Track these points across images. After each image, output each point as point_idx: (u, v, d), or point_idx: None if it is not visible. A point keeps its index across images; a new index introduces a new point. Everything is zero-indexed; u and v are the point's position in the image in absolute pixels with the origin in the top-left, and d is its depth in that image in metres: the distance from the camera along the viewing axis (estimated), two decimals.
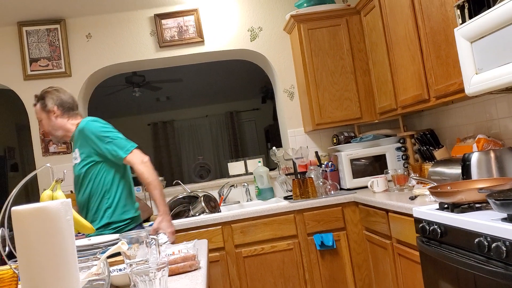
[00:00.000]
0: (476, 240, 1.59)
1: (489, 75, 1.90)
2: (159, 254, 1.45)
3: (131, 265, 1.38)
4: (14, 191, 1.30)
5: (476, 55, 1.97)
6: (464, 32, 2.01)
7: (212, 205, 3.30)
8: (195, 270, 1.52)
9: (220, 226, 3.07)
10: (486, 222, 1.57)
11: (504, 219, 1.56)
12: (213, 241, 3.04)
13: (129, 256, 1.38)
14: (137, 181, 3.72)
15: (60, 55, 3.51)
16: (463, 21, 2.05)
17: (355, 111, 3.51)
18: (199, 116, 9.26)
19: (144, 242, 1.42)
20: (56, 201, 1.04)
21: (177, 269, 1.50)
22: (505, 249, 1.45)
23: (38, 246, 1.02)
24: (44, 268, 1.02)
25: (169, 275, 1.50)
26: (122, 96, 7.50)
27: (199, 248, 1.90)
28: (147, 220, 3.19)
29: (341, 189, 3.51)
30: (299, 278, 3.10)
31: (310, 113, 3.52)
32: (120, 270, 1.49)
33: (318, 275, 3.12)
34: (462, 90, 2.25)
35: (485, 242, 1.55)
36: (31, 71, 3.49)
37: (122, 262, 1.54)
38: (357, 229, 3.16)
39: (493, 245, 1.49)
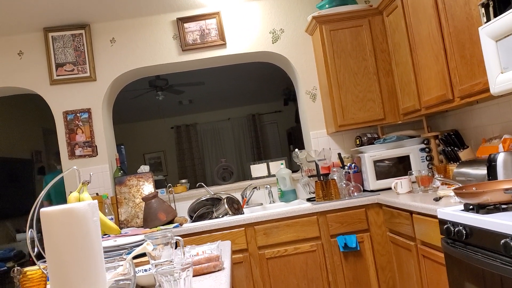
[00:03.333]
0: (502, 241, 1.56)
1: None
2: (184, 255, 1.47)
3: (156, 265, 1.40)
4: (42, 193, 1.34)
5: (501, 54, 1.94)
6: (488, 31, 1.98)
7: (235, 207, 3.32)
8: (219, 270, 1.54)
9: (243, 228, 3.09)
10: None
11: None
12: (237, 242, 3.06)
13: (154, 257, 1.41)
14: (161, 183, 3.79)
15: (85, 60, 3.59)
16: (488, 19, 2.03)
17: (378, 112, 3.48)
18: (221, 119, 9.33)
19: (169, 243, 1.45)
20: (83, 203, 1.07)
21: (201, 269, 1.52)
22: None
23: (66, 246, 1.05)
24: (72, 268, 1.05)
25: (193, 276, 1.52)
26: (145, 99, 7.62)
27: (222, 249, 1.92)
28: (171, 222, 3.24)
29: (364, 190, 3.49)
30: (323, 280, 3.09)
31: (332, 115, 3.51)
32: (146, 270, 1.51)
33: (342, 277, 3.10)
34: (487, 90, 2.22)
35: (511, 243, 1.52)
36: (57, 76, 3.59)
37: (148, 262, 1.57)
38: (381, 230, 3.14)
39: None
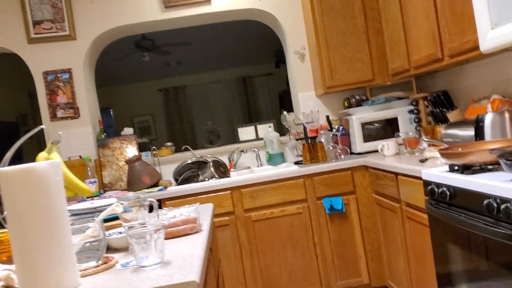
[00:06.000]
0: (485, 201, 1.53)
1: (506, 30, 1.79)
2: (158, 217, 1.42)
3: (129, 228, 1.36)
4: (9, 154, 1.27)
5: (493, 9, 1.86)
6: None
7: (222, 170, 3.28)
8: (196, 232, 1.50)
9: (230, 191, 3.05)
10: (495, 183, 1.51)
11: None
12: (223, 205, 3.04)
13: (127, 219, 1.37)
14: (146, 147, 3.72)
15: (64, 18, 3.45)
16: None
17: (367, 73, 3.40)
18: (211, 81, 9.18)
19: (143, 205, 1.40)
20: (44, 162, 1.01)
21: (178, 231, 1.48)
22: None
23: (26, 207, 0.99)
24: (34, 230, 1.00)
25: (169, 238, 1.48)
26: (131, 61, 7.44)
27: (202, 212, 1.88)
28: (156, 185, 3.19)
29: (352, 153, 3.46)
30: (308, 241, 3.10)
31: (321, 76, 3.43)
32: (120, 233, 1.47)
33: (327, 238, 3.10)
34: (477, 48, 2.14)
35: (494, 203, 1.50)
36: (34, 34, 3.44)
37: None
38: (367, 193, 3.12)
39: (502, 206, 1.44)
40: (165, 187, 3.11)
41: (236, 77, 9.20)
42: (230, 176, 3.34)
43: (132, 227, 1.36)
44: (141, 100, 9.12)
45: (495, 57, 2.60)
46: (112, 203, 1.43)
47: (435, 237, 2.04)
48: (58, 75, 3.51)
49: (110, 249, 1.42)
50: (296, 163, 3.43)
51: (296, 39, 3.71)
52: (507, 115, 2.26)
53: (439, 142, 2.26)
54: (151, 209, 1.47)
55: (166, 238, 1.49)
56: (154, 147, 3.58)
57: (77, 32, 3.54)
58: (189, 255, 1.23)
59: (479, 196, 1.60)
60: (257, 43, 7.72)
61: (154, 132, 9.13)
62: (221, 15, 3.75)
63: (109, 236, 1.43)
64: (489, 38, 1.91)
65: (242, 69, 9.19)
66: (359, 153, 3.36)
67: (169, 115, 9.10)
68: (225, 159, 3.65)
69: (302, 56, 3.71)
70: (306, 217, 3.09)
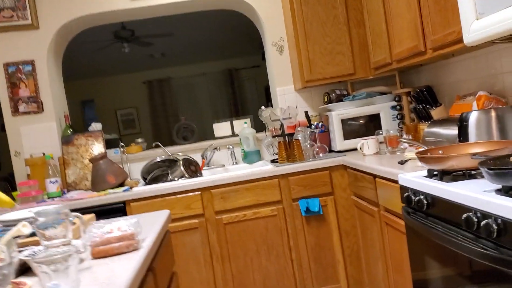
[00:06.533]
0: (464, 215, 1.35)
1: (491, 21, 1.61)
2: (84, 233, 1.23)
3: (49, 247, 1.16)
4: None
5: None
6: None
7: (193, 169, 3.08)
8: (133, 251, 1.31)
9: (200, 192, 2.86)
10: (475, 194, 1.32)
11: (498, 191, 1.32)
12: (192, 207, 2.84)
13: (46, 237, 1.17)
14: (115, 143, 3.52)
15: (26, 5, 3.21)
16: None
17: (348, 66, 3.21)
18: (196, 73, 8.94)
19: (66, 220, 1.20)
20: None
21: (111, 250, 1.29)
22: (496, 227, 1.21)
23: None
24: None
25: (102, 257, 1.29)
26: (113, 52, 7.19)
27: (150, 223, 1.69)
28: (121, 184, 2.99)
29: (331, 151, 3.27)
30: (283, 245, 2.91)
31: (299, 69, 3.24)
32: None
33: (304, 242, 2.93)
34: (461, 40, 1.95)
35: (474, 218, 1.31)
36: None
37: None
38: (346, 194, 2.94)
39: (483, 222, 1.25)
40: (131, 188, 2.90)
41: (222, 69, 8.97)
42: (201, 175, 3.15)
43: (54, 246, 1.17)
44: (125, 93, 8.88)
45: (482, 51, 2.42)
46: (24, 217, 1.23)
47: (412, 249, 1.86)
48: (20, 66, 3.28)
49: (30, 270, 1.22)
50: (273, 161, 3.24)
51: (275, 30, 3.51)
52: (493, 113, 2.08)
53: (417, 143, 2.07)
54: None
55: (98, 257, 1.30)
56: (122, 144, 3.37)
57: (40, 21, 3.31)
58: (110, 284, 1.03)
59: (458, 208, 1.42)
60: (243, 34, 7.50)
61: (138, 126, 8.90)
62: (195, 4, 3.53)
63: (33, 255, 1.23)
64: (473, 29, 1.72)
65: (228, 61, 8.96)
66: (339, 151, 3.18)
67: (153, 108, 8.87)
68: (198, 157, 3.46)
69: (281, 48, 3.51)
70: (281, 219, 2.91)
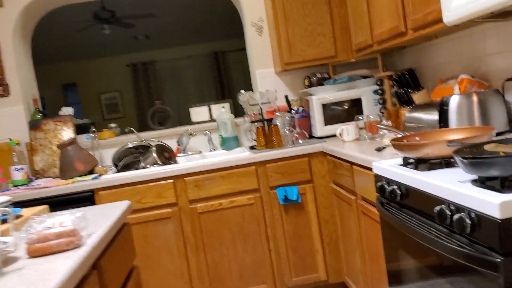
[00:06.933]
0: (438, 208, 1.24)
1: None
2: (12, 231, 1.10)
3: None
4: None
5: None
6: None
7: (166, 156, 2.95)
8: (74, 248, 1.19)
9: (173, 180, 2.74)
10: (448, 185, 1.22)
11: (474, 181, 1.22)
12: (164, 196, 2.72)
13: None
14: (85, 129, 3.37)
15: None
16: None
17: (329, 48, 3.08)
18: (182, 56, 8.74)
19: None
20: None
21: (49, 247, 1.17)
22: (469, 222, 1.11)
23: None
24: None
25: (39, 256, 1.17)
26: (94, 34, 6.98)
27: (102, 217, 1.57)
28: (91, 172, 2.86)
29: (312, 137, 3.16)
30: (261, 234, 2.81)
31: (278, 51, 3.10)
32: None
33: (282, 231, 2.83)
34: (442, 19, 1.83)
35: (447, 211, 1.21)
36: None
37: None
38: (325, 181, 2.84)
39: (456, 216, 1.15)
40: (100, 175, 2.78)
41: (208, 52, 8.77)
42: (176, 162, 3.03)
43: None
44: (108, 76, 8.67)
45: (465, 32, 2.30)
46: None
47: (386, 241, 1.77)
48: None
49: None
50: (252, 147, 3.12)
51: (253, 10, 3.36)
52: (475, 98, 1.98)
53: (394, 129, 1.96)
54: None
55: (35, 256, 1.18)
56: (94, 129, 3.22)
57: None
58: (39, 287, 0.92)
59: (432, 200, 1.31)
60: (228, 16, 7.31)
61: (122, 110, 8.72)
62: None
63: None
64: (453, 7, 1.60)
65: (215, 43, 8.76)
66: (319, 137, 3.07)
67: (138, 92, 8.68)
68: (175, 143, 3.33)
69: (260, 28, 3.36)
70: (259, 208, 2.80)
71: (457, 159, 1.19)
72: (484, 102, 1.95)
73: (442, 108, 2.02)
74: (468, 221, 1.11)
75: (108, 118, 8.52)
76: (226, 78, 8.86)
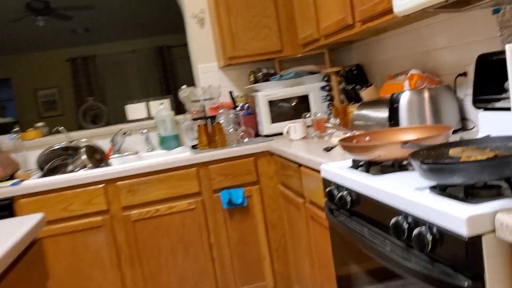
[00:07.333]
0: (393, 220, 1.09)
1: None
2: None
3: None
4: None
5: None
6: None
7: (98, 158, 2.68)
8: None
9: (103, 185, 2.47)
10: (405, 195, 1.06)
11: (433, 188, 1.07)
12: (94, 203, 2.45)
13: None
14: (7, 129, 3.03)
15: None
16: None
17: (275, 42, 2.91)
18: (125, 51, 8.34)
19: None
20: None
21: None
22: (430, 237, 0.96)
23: None
24: None
25: None
26: (28, 26, 6.48)
27: (4, 234, 1.31)
28: (11, 177, 2.54)
29: (258, 135, 2.98)
30: (202, 242, 2.60)
31: (221, 44, 2.90)
32: None
33: (226, 238, 2.63)
34: (392, 10, 1.70)
35: (404, 224, 1.06)
36: None
37: None
38: (272, 183, 2.67)
39: (415, 231, 1.00)
40: (21, 181, 2.47)
41: (153, 46, 8.41)
42: (109, 165, 2.76)
43: None
44: (46, 71, 8.13)
45: (414, 25, 2.19)
46: None
47: (336, 246, 1.61)
48: None
49: None
50: (194, 147, 2.90)
51: (194, 0, 3.13)
52: (426, 94, 1.87)
53: (343, 128, 1.82)
54: None
55: None
56: (17, 128, 2.88)
57: None
58: None
59: (386, 210, 1.16)
60: (175, 9, 7.01)
61: (61, 107, 8.21)
62: None
63: None
64: None
65: (159, 38, 8.41)
66: (266, 136, 2.90)
67: (77, 88, 8.19)
68: (106, 143, 3.05)
69: (202, 20, 3.14)
70: (200, 214, 2.59)
71: (415, 164, 1.04)
72: (436, 98, 1.84)
73: (392, 105, 1.90)
74: (429, 237, 0.96)
75: (46, 116, 7.99)
76: (172, 74, 8.54)
